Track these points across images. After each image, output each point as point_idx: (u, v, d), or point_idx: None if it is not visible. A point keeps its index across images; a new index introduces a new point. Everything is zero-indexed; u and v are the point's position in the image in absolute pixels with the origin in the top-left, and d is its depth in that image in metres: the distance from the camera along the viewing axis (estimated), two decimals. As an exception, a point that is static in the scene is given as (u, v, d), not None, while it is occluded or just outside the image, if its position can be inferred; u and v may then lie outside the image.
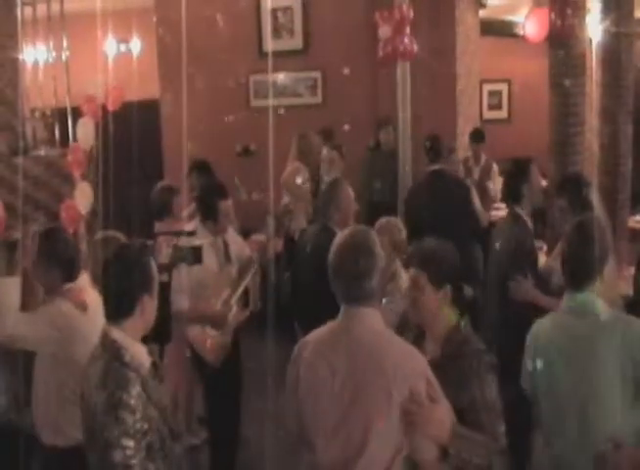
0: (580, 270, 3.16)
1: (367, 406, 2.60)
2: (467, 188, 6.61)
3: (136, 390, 2.58)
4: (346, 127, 8.06)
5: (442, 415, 2.59)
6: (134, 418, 2.52)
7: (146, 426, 2.56)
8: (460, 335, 2.98)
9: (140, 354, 2.72)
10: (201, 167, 6.53)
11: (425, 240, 3.14)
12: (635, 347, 2.99)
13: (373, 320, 2.73)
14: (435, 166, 6.50)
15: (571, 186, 4.63)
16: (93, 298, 3.64)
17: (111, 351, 2.67)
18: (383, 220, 4.98)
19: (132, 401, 2.54)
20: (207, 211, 4.85)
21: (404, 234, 4.89)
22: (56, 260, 3.64)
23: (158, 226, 5.88)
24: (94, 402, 2.58)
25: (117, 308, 2.73)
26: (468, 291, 3.14)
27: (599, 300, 3.14)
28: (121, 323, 2.71)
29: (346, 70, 8.55)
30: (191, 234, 4.49)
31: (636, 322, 3.09)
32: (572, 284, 3.17)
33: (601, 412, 3.01)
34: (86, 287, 3.77)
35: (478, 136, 8.15)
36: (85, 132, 6.44)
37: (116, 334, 2.70)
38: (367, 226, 3.12)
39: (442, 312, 3.00)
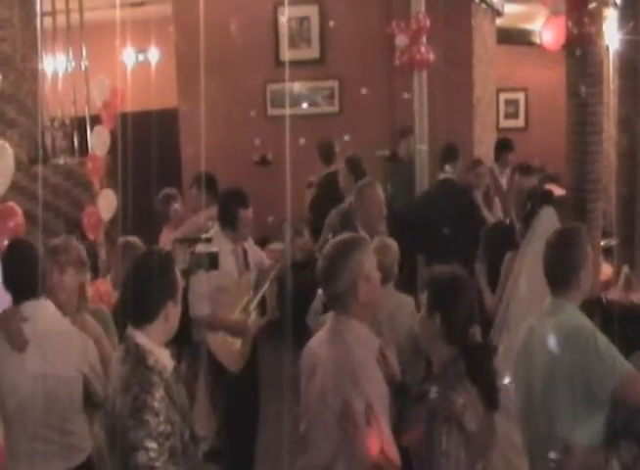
0: (553, 276, 3.28)
1: (313, 409, 2.83)
2: (471, 197, 6.57)
3: (159, 393, 2.59)
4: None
5: (366, 442, 2.59)
6: (158, 421, 2.54)
7: (169, 429, 2.58)
8: (454, 374, 2.82)
9: (163, 358, 2.74)
10: (203, 182, 6.30)
11: (440, 266, 3.05)
12: (586, 364, 3.03)
13: (344, 330, 2.86)
14: (446, 175, 6.54)
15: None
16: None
17: (135, 354, 2.69)
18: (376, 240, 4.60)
19: (156, 404, 2.56)
20: (227, 219, 4.86)
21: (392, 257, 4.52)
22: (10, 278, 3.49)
23: (164, 232, 5.99)
24: (119, 406, 2.60)
25: (142, 314, 2.74)
26: (475, 330, 2.96)
27: (571, 306, 3.22)
28: (145, 328, 2.73)
29: (363, 80, 8.58)
30: (208, 240, 4.51)
31: (594, 341, 3.07)
32: (550, 288, 3.30)
33: (550, 410, 3.14)
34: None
35: (507, 146, 8.12)
36: (100, 140, 6.49)
37: (140, 338, 2.71)
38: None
39: (436, 342, 2.90)
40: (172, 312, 2.77)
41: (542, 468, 3.20)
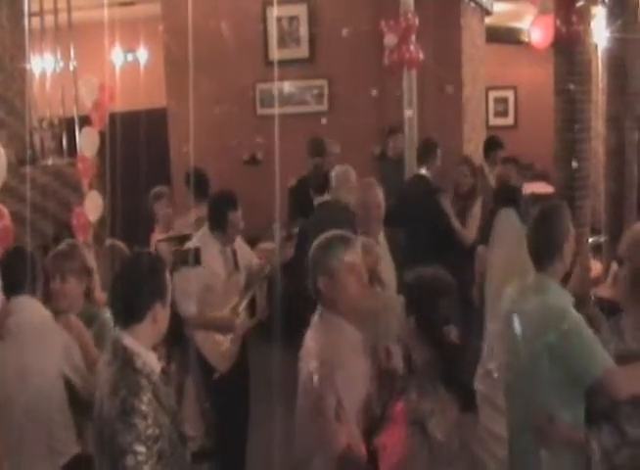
0: (537, 251, 3.28)
1: (297, 407, 2.91)
2: (437, 196, 6.45)
3: (147, 396, 2.59)
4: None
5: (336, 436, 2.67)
6: (146, 424, 2.53)
7: (157, 432, 2.57)
8: (428, 378, 2.77)
9: (151, 361, 2.73)
10: (192, 180, 6.02)
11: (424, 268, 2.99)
12: (570, 351, 3.04)
13: (328, 327, 2.94)
14: (421, 172, 6.55)
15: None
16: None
17: (122, 357, 2.68)
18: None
19: (144, 407, 2.55)
20: (217, 222, 4.84)
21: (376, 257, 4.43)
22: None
23: (156, 231, 5.98)
24: (107, 409, 2.60)
25: (130, 313, 2.73)
26: (451, 331, 2.92)
27: (555, 285, 3.23)
28: (133, 329, 2.71)
29: (353, 79, 8.59)
30: (189, 237, 4.51)
31: (579, 330, 3.07)
32: (534, 263, 3.30)
33: (532, 385, 3.14)
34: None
35: (497, 144, 8.13)
36: (89, 141, 6.47)
37: (127, 340, 2.70)
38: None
39: (413, 342, 2.87)
40: (160, 314, 2.76)
41: (523, 444, 3.19)
